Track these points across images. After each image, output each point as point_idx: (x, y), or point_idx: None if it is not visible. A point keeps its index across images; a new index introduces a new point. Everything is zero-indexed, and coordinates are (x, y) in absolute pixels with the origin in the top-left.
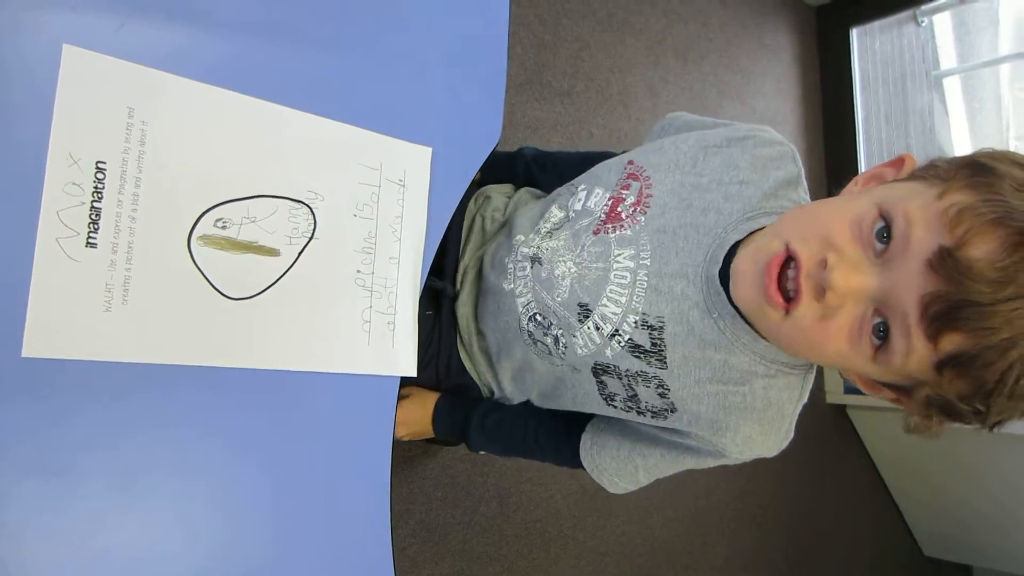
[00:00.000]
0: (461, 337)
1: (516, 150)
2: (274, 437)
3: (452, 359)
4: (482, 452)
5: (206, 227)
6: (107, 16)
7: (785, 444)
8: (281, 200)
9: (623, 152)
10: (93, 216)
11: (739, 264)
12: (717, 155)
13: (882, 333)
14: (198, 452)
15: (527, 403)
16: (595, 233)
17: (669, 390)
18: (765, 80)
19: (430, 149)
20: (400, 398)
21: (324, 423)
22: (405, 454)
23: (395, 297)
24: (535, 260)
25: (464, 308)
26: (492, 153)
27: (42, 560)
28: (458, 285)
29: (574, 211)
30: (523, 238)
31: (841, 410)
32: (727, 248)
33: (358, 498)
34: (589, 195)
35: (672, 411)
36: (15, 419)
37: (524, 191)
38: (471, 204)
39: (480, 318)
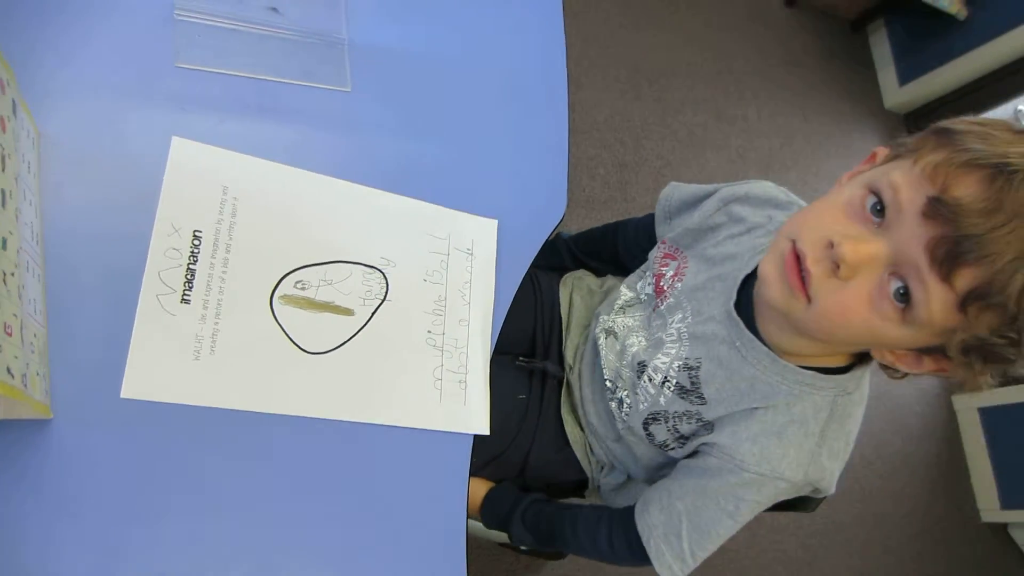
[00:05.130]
0: (578, 413)
1: (554, 236)
2: (346, 486)
3: (550, 439)
4: (523, 548)
5: (287, 288)
6: (210, 113)
7: (813, 472)
8: (356, 265)
9: (644, 216)
10: (188, 276)
11: (761, 271)
12: (723, 214)
13: (903, 295)
14: (275, 493)
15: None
16: (653, 310)
17: (705, 420)
18: None
19: (495, 221)
20: None
21: (397, 477)
22: (508, 568)
23: (466, 357)
24: (609, 333)
25: (577, 381)
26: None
27: None
28: (572, 361)
29: (645, 294)
30: (605, 317)
31: (1001, 530)
32: (739, 282)
33: (434, 550)
34: (649, 278)
35: (709, 431)
36: (111, 455)
37: (610, 277)
38: (561, 289)
39: (587, 392)
